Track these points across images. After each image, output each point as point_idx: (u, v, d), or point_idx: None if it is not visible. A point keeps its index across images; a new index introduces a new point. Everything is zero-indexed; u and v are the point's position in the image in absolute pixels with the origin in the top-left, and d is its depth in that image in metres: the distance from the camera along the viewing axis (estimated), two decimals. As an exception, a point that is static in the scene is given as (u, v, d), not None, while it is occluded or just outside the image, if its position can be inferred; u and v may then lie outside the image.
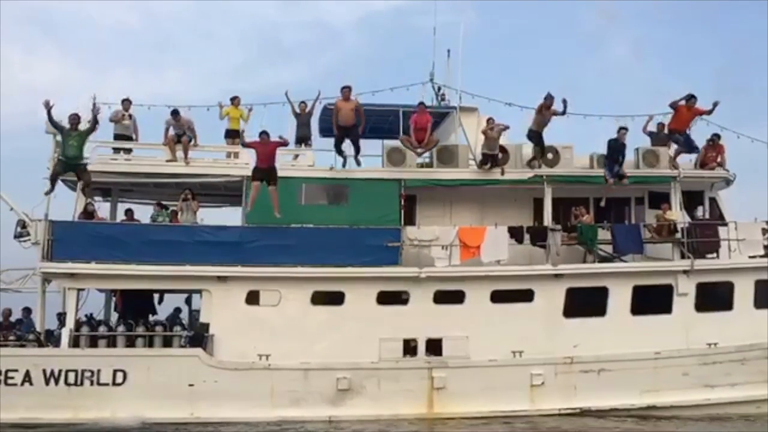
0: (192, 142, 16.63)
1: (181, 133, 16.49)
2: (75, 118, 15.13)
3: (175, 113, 16.60)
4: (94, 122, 15.27)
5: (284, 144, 15.84)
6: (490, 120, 17.19)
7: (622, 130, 17.11)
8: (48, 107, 14.79)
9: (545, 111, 16.86)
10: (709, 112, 17.57)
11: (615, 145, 17.00)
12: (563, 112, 16.94)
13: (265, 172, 15.48)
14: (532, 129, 17.15)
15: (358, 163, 16.74)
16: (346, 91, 16.42)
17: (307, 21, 62.51)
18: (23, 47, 59.36)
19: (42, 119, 15.35)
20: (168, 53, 64.81)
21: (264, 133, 15.57)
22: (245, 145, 15.96)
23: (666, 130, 17.86)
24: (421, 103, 17.18)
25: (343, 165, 16.73)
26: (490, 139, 16.97)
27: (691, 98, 17.31)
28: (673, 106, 17.41)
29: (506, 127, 17.27)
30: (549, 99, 16.78)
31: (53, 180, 15.20)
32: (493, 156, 16.95)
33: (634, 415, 15.48)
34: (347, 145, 16.88)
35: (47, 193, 15.29)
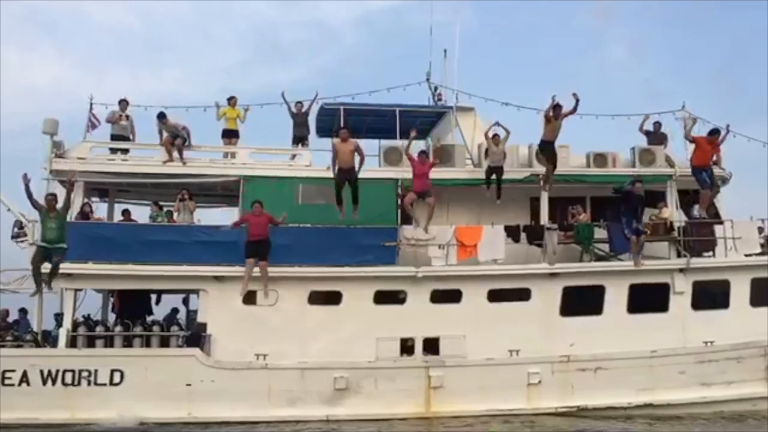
0: (186, 143, 16.57)
1: (175, 135, 16.43)
2: (52, 200, 13.81)
3: (161, 116, 16.46)
4: (68, 200, 13.83)
5: (277, 223, 14.89)
6: (493, 134, 16.65)
7: (638, 183, 15.89)
8: (26, 181, 13.41)
9: (554, 120, 16.16)
10: (721, 142, 16.82)
11: (631, 198, 15.72)
12: (574, 110, 16.12)
13: (258, 245, 14.71)
14: (544, 140, 16.40)
15: (356, 212, 15.60)
16: (343, 132, 15.45)
17: (305, 20, 62.70)
18: (21, 47, 59.46)
19: (39, 119, 15.38)
20: (166, 53, 64.98)
21: (257, 203, 14.90)
22: (236, 224, 15.07)
23: (690, 167, 16.57)
24: (423, 152, 16.06)
25: (342, 214, 15.58)
26: (495, 153, 16.52)
27: (714, 133, 16.39)
28: (690, 139, 16.36)
29: (507, 134, 16.68)
30: (557, 108, 16.09)
31: (36, 274, 13.84)
32: (499, 168, 16.54)
33: (631, 415, 15.48)
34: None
35: (33, 295, 14.49)
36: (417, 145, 18.59)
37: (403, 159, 17.10)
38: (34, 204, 13.81)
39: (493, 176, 16.57)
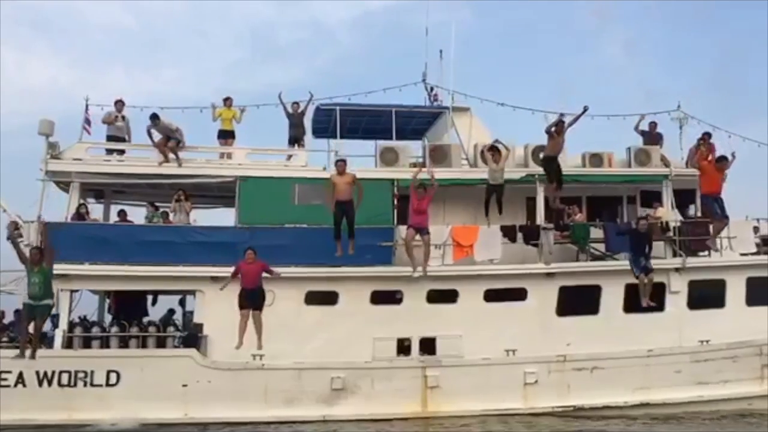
0: (179, 144, 16.49)
1: (168, 136, 16.33)
2: (36, 253, 12.80)
3: (154, 117, 16.29)
4: (51, 257, 12.94)
5: (271, 272, 14.12)
6: (493, 149, 16.23)
7: (642, 220, 15.27)
8: (11, 232, 12.79)
9: (557, 136, 15.94)
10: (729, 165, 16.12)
11: (638, 235, 15.02)
12: (576, 119, 15.97)
13: (251, 295, 13.91)
14: (547, 156, 16.15)
15: (353, 250, 14.92)
16: (340, 164, 14.91)
17: (302, 20, 62.69)
18: (17, 47, 59.35)
19: (36, 119, 15.35)
20: (162, 52, 64.95)
21: (250, 250, 14.00)
22: (233, 275, 14.00)
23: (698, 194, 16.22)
24: (422, 185, 15.24)
25: (339, 251, 14.93)
26: (495, 171, 16.12)
27: (722, 159, 15.72)
28: (698, 166, 15.84)
29: (507, 152, 16.40)
30: (560, 124, 15.90)
31: (23, 335, 13.07)
32: (499, 187, 16.18)
33: (627, 414, 15.49)
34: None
35: (14, 358, 13.38)
36: (414, 146, 18.77)
37: (399, 159, 17.18)
38: (21, 256, 12.91)
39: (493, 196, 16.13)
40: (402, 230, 16.24)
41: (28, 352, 13.03)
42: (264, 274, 13.89)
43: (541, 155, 16.58)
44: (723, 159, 15.70)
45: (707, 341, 16.20)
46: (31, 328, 12.95)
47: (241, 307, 13.89)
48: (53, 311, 15.74)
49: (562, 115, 16.24)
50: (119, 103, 17.11)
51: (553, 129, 15.99)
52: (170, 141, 16.36)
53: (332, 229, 15.86)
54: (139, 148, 16.99)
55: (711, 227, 15.87)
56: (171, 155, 16.42)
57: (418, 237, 14.84)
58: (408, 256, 15.00)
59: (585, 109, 15.86)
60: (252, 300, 13.89)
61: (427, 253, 14.99)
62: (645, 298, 14.95)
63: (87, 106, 17.03)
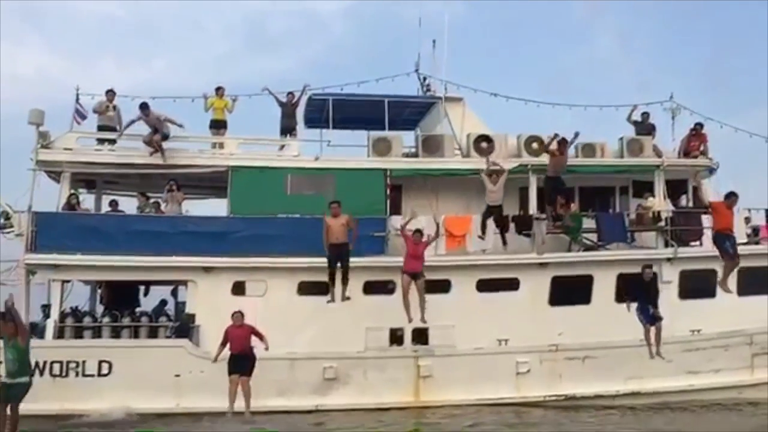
0: (166, 138, 16.19)
1: (155, 129, 16.06)
2: (11, 326, 11.40)
3: (143, 107, 16.08)
4: (24, 335, 11.66)
5: (261, 337, 13.78)
6: (491, 172, 16.06)
7: (647, 269, 14.81)
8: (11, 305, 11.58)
9: (559, 154, 15.66)
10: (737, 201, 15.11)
11: (643, 284, 14.68)
12: (573, 141, 16.04)
13: (240, 360, 13.52)
14: (549, 176, 15.86)
15: (345, 294, 14.72)
16: (334, 206, 14.62)
17: (294, 10, 62.45)
18: (7, 37, 58.92)
19: (26, 108, 15.24)
20: (154, 43, 64.62)
21: (237, 313, 13.74)
22: (222, 344, 13.58)
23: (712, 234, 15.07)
24: (418, 230, 14.93)
25: (331, 297, 14.75)
26: (493, 191, 15.85)
27: (731, 196, 14.73)
28: (707, 204, 15.11)
29: (505, 172, 16.09)
30: (562, 143, 15.61)
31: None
32: (498, 207, 15.94)
33: (617, 405, 15.55)
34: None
35: None
36: (406, 137, 18.72)
37: (392, 149, 17.14)
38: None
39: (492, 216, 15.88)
40: (394, 220, 16.29)
41: None
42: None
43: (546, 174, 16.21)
44: (732, 195, 14.68)
45: (698, 331, 16.28)
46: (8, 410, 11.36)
47: (230, 372, 13.53)
48: (46, 301, 15.86)
49: (557, 134, 15.92)
50: (110, 93, 16.99)
51: (553, 147, 15.61)
52: (156, 134, 16.12)
53: (323, 220, 15.90)
54: (130, 138, 16.89)
55: (722, 268, 14.82)
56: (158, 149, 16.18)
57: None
58: (404, 303, 14.67)
59: (576, 135, 15.89)
60: (241, 366, 13.53)
61: (422, 299, 14.82)
62: (654, 347, 14.57)
63: (78, 96, 16.96)
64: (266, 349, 13.73)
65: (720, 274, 14.83)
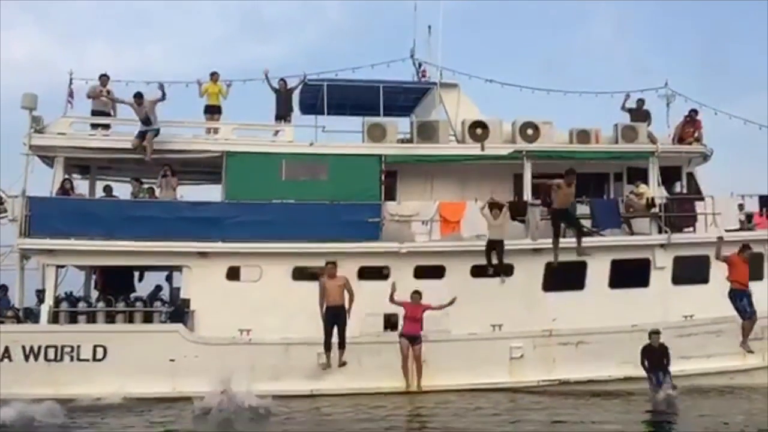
0: (156, 135, 16.03)
1: (145, 119, 15.93)
2: None
3: (138, 96, 15.95)
4: None
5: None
6: (491, 207, 15.75)
7: (654, 335, 14.79)
8: None
9: (566, 188, 15.06)
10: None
11: (652, 351, 14.64)
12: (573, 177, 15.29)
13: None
14: (555, 209, 15.34)
15: (343, 363, 14.52)
16: (330, 268, 14.33)
17: (290, -6, 61.97)
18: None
19: (19, 92, 15.17)
20: (148, 27, 64.10)
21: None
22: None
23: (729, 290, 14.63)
24: (416, 292, 14.92)
25: (327, 365, 14.57)
26: (494, 227, 15.64)
27: (746, 248, 14.72)
28: (723, 258, 14.65)
29: (506, 207, 15.91)
30: (570, 176, 15.05)
31: None
32: (499, 242, 15.63)
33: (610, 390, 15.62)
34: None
35: None
36: (401, 123, 18.69)
37: (387, 135, 17.12)
38: None
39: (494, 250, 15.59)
40: (389, 206, 16.31)
41: None
42: None
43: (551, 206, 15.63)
44: (747, 248, 14.53)
45: (691, 316, 16.37)
46: None
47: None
48: (40, 286, 15.85)
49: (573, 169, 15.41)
50: (104, 78, 16.91)
51: (560, 181, 15.09)
52: (148, 134, 15.93)
53: (318, 206, 15.95)
54: (124, 124, 16.83)
55: (744, 325, 14.54)
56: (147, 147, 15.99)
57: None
58: (402, 368, 14.71)
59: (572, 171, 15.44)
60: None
61: (419, 366, 14.77)
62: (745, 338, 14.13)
63: (71, 80, 16.86)
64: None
65: (744, 337, 14.53)
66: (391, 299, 14.71)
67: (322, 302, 14.24)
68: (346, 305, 14.27)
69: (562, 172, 17.44)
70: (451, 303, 14.91)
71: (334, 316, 14.19)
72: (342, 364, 14.49)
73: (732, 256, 14.51)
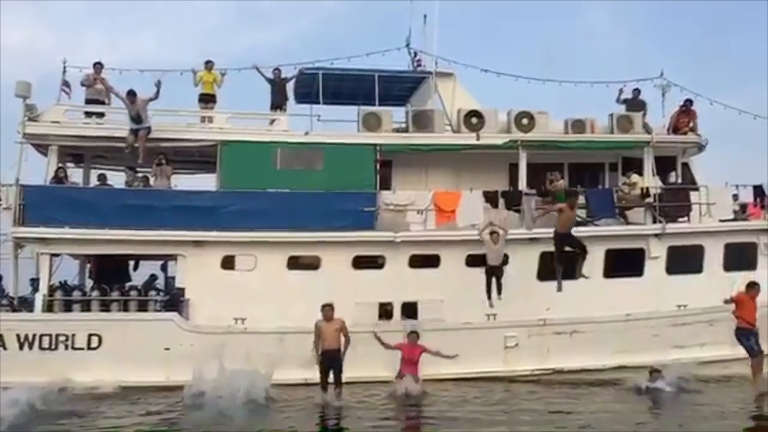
0: (149, 133, 15.96)
1: (137, 117, 15.85)
2: None
3: (131, 94, 15.83)
4: None
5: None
6: (491, 231, 15.62)
7: (655, 372, 14.61)
8: None
9: (569, 211, 15.17)
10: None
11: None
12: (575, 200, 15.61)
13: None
14: (558, 232, 15.35)
15: (340, 401, 13.68)
16: (327, 310, 13.70)
17: (286, -18, 61.73)
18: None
19: (13, 79, 15.09)
20: (143, 15, 63.89)
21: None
22: None
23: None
24: (413, 332, 14.62)
25: (323, 403, 13.77)
26: (493, 251, 15.54)
27: (753, 286, 14.43)
28: (730, 299, 14.49)
29: (505, 232, 15.73)
30: (572, 199, 15.36)
31: None
32: (498, 268, 15.57)
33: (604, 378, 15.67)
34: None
35: None
36: (397, 112, 18.65)
37: (382, 124, 17.10)
38: None
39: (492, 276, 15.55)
40: (384, 195, 16.30)
41: None
42: None
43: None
44: (754, 285, 14.39)
45: (685, 306, 16.44)
46: None
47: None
48: (34, 275, 15.82)
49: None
50: (98, 66, 16.83)
51: (564, 205, 15.14)
52: (140, 132, 15.87)
53: (313, 195, 15.93)
54: (118, 112, 16.76)
55: (753, 365, 14.20)
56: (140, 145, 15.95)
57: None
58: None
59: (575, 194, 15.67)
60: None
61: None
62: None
63: (65, 69, 16.78)
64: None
65: (755, 375, 14.28)
66: (387, 346, 14.26)
67: (317, 345, 13.66)
68: (342, 348, 13.70)
69: (558, 162, 17.70)
70: (451, 357, 14.47)
71: (330, 360, 13.62)
72: (340, 401, 13.59)
73: (740, 296, 14.37)
